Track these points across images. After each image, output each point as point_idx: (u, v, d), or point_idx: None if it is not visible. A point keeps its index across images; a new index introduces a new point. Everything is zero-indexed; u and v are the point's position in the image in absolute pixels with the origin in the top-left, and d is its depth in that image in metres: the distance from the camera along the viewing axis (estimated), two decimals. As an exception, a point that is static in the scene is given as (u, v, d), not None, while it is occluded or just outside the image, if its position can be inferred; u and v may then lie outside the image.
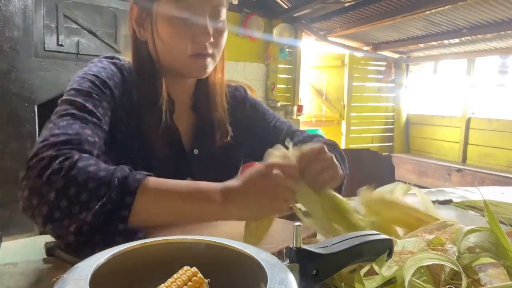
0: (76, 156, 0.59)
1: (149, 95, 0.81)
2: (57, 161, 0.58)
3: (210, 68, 0.82)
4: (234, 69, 4.21)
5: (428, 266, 0.51)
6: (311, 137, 0.97)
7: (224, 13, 0.81)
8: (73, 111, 0.68)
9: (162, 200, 0.59)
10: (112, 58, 0.84)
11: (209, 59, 0.81)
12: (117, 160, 0.80)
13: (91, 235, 0.56)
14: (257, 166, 0.60)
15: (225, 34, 0.83)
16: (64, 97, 0.72)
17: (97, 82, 0.75)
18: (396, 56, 5.23)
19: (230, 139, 0.92)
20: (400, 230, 0.70)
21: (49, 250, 0.62)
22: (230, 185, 0.60)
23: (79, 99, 0.70)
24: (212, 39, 0.78)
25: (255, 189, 0.59)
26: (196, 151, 0.89)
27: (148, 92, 0.81)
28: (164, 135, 0.82)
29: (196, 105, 0.91)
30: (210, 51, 0.79)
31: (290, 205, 0.63)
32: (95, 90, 0.74)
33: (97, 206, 0.55)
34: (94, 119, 0.70)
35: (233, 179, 0.62)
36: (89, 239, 0.56)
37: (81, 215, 0.55)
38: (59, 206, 0.56)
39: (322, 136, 0.98)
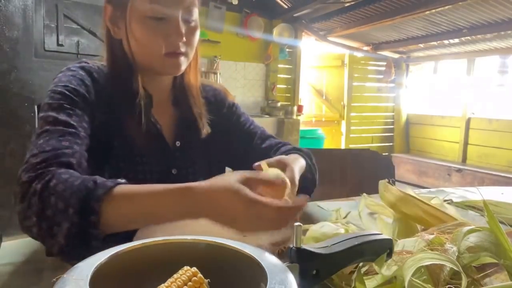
0: (49, 176, 0.61)
1: (125, 92, 0.84)
2: (33, 185, 0.60)
3: (184, 66, 0.85)
4: (234, 69, 4.21)
5: (428, 266, 0.51)
6: (281, 143, 1.00)
7: (196, 12, 0.84)
8: (48, 127, 0.70)
9: (128, 208, 0.59)
10: (80, 62, 0.87)
11: (182, 58, 0.83)
12: (104, 160, 0.83)
13: (72, 252, 0.58)
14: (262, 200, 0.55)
15: (197, 33, 0.86)
16: (40, 115, 0.75)
17: (67, 92, 0.76)
18: (396, 56, 5.23)
19: (210, 134, 0.95)
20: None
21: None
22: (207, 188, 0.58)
23: (52, 114, 0.72)
24: (184, 39, 0.81)
25: (234, 213, 0.56)
26: (178, 143, 0.92)
27: (124, 89, 0.84)
28: (144, 129, 0.84)
29: (176, 100, 0.94)
30: (183, 49, 0.82)
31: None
32: (66, 101, 0.75)
33: (65, 230, 0.57)
34: (70, 129, 0.71)
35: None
36: (72, 255, 0.58)
37: (57, 237, 0.57)
38: (41, 228, 0.58)
39: (289, 144, 1.01)
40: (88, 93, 0.80)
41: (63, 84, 0.78)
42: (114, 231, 0.60)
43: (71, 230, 0.56)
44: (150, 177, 0.87)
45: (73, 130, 0.71)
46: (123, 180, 0.62)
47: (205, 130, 0.94)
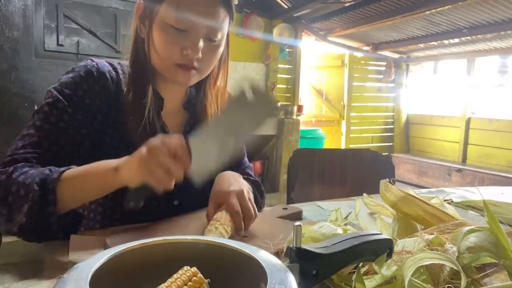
0: (11, 169, 0.71)
1: (136, 91, 0.84)
2: None
3: (194, 80, 0.85)
4: (234, 69, 4.21)
5: (427, 265, 0.51)
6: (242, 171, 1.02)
7: (221, 34, 0.84)
8: (31, 132, 0.78)
9: (76, 184, 0.71)
10: (86, 60, 0.87)
11: (193, 72, 0.83)
12: (105, 158, 0.83)
13: (31, 230, 0.68)
14: (153, 141, 0.66)
15: (218, 52, 0.86)
16: (34, 114, 0.81)
17: (60, 97, 0.79)
18: (396, 56, 5.23)
19: None
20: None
21: None
22: (126, 157, 0.69)
23: (38, 119, 0.79)
24: (200, 55, 0.81)
25: (139, 160, 0.65)
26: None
27: (136, 88, 0.84)
28: (150, 131, 0.85)
29: (192, 108, 0.94)
30: (196, 65, 0.82)
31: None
32: (53, 105, 0.79)
33: (25, 209, 0.67)
34: (42, 134, 0.77)
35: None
36: (31, 234, 0.68)
37: (18, 217, 0.67)
38: (2, 213, 0.69)
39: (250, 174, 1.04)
40: (86, 95, 0.81)
41: (60, 88, 0.80)
42: (69, 207, 0.71)
43: (32, 209, 0.66)
44: None
45: (45, 135, 0.77)
46: (74, 166, 0.72)
47: None
